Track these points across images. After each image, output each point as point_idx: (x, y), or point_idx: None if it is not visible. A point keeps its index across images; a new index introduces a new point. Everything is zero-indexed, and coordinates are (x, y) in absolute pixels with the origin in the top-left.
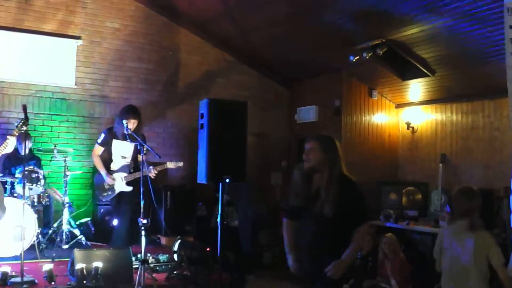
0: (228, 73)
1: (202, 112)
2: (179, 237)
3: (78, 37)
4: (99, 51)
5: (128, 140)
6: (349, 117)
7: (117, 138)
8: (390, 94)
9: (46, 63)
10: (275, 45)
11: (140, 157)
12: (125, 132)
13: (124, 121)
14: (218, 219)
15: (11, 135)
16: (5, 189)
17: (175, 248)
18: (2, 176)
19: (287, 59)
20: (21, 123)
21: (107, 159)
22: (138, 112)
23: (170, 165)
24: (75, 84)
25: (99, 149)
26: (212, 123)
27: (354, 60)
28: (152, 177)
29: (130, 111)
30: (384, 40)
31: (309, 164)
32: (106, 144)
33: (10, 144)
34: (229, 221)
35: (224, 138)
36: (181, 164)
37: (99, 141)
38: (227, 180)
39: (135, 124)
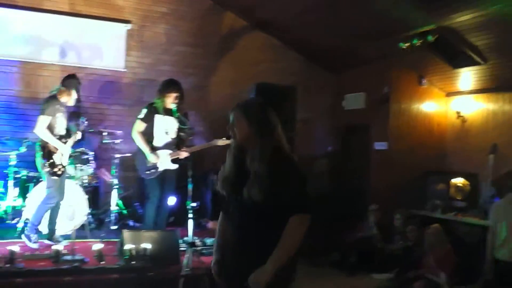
0: (274, 58)
1: (251, 96)
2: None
3: (127, 21)
4: (148, 35)
5: (172, 115)
6: (397, 105)
7: (159, 113)
8: (440, 82)
9: (96, 47)
10: (322, 31)
11: (183, 135)
12: (170, 106)
13: (166, 95)
14: None
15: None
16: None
17: None
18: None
19: (334, 45)
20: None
21: (149, 136)
22: (180, 85)
23: (220, 142)
24: (125, 68)
25: (141, 125)
26: None
27: (404, 47)
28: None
29: (172, 84)
30: (435, 27)
31: (234, 139)
32: (148, 119)
33: (77, 135)
34: None
35: None
36: (229, 141)
37: (141, 116)
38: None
39: (177, 99)
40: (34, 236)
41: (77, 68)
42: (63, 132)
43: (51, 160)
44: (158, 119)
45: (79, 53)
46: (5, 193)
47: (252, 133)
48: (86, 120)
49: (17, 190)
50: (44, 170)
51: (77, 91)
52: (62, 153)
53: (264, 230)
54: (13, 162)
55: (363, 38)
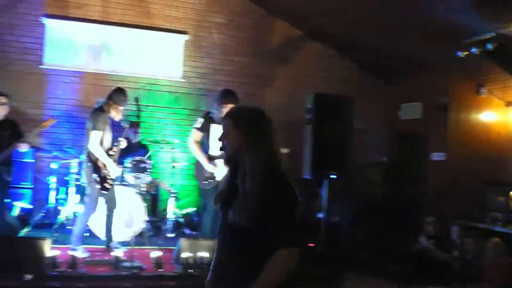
0: (328, 67)
1: (308, 107)
2: None
3: (184, 32)
4: (205, 46)
5: None
6: (456, 115)
7: (215, 122)
8: (500, 91)
9: (155, 58)
10: (377, 39)
11: None
12: (224, 112)
13: (223, 105)
14: (323, 215)
15: (124, 129)
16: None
17: None
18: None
19: (389, 53)
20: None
21: (205, 146)
22: (236, 96)
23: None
24: (183, 78)
25: (197, 134)
26: (318, 118)
27: (462, 55)
28: None
29: (228, 94)
30: (495, 35)
31: (225, 152)
32: (204, 129)
33: (122, 143)
34: (329, 217)
35: (330, 133)
36: (286, 150)
37: (197, 126)
38: (332, 176)
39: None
40: (80, 247)
41: (135, 78)
42: (110, 145)
43: (102, 175)
44: (214, 128)
45: (137, 63)
46: (66, 200)
47: (242, 144)
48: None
49: (77, 196)
50: (91, 183)
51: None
52: (111, 168)
53: (247, 256)
54: (74, 169)
55: (420, 46)
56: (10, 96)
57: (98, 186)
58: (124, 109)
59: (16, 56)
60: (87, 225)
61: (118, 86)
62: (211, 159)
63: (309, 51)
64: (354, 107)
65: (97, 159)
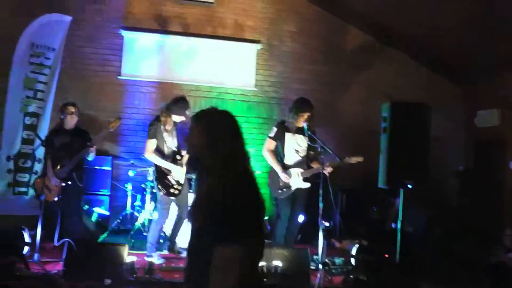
0: (402, 74)
1: (384, 115)
2: (357, 241)
3: (257, 41)
4: (277, 54)
5: (302, 133)
6: None
7: (289, 131)
8: None
9: (227, 67)
10: (451, 43)
11: (312, 154)
12: (301, 125)
13: (299, 114)
14: (398, 225)
15: None
16: (190, 185)
17: (353, 252)
18: (187, 173)
19: (464, 58)
20: None
21: (279, 155)
22: (311, 104)
23: (351, 160)
24: (255, 87)
25: (271, 144)
26: (394, 127)
27: None
28: (327, 174)
29: (304, 103)
30: None
31: (189, 153)
32: (279, 138)
33: None
34: (406, 227)
35: (406, 141)
36: (361, 159)
37: (271, 134)
38: (409, 186)
39: (309, 117)
40: (155, 254)
41: (208, 87)
42: (172, 151)
43: (165, 181)
44: (289, 137)
45: (210, 73)
46: (142, 207)
47: (203, 144)
48: None
49: (153, 204)
50: (157, 191)
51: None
52: (174, 173)
53: (202, 256)
54: (150, 177)
55: (496, 50)
56: (78, 106)
57: (162, 192)
58: (181, 117)
59: (96, 68)
60: (163, 231)
61: (180, 95)
62: (285, 168)
63: (383, 58)
64: (431, 115)
65: (159, 165)
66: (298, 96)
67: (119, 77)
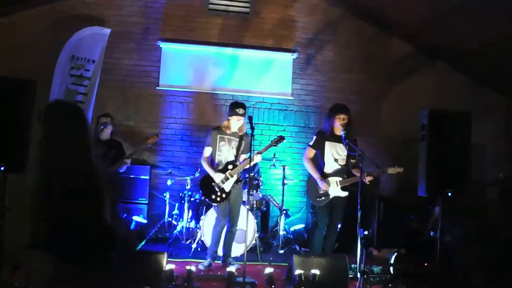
0: (440, 82)
1: (423, 123)
2: (395, 250)
3: (294, 50)
4: (313, 63)
5: (341, 142)
6: None
7: (328, 139)
8: None
9: (264, 76)
10: (491, 51)
11: (352, 162)
12: (339, 132)
13: (334, 116)
14: (437, 234)
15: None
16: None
17: (392, 261)
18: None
19: (505, 65)
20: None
21: (318, 163)
22: (347, 109)
23: (391, 170)
24: (291, 96)
25: (311, 152)
26: (433, 135)
27: None
28: (367, 183)
29: (339, 107)
30: None
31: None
32: (318, 146)
33: (257, 157)
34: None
35: (445, 150)
36: (401, 169)
37: (311, 143)
38: (449, 194)
39: (345, 120)
40: (207, 260)
41: (246, 96)
42: (228, 160)
43: (209, 187)
44: (328, 146)
45: (247, 83)
46: (180, 215)
47: (47, 138)
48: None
49: (191, 212)
50: (203, 198)
51: (234, 115)
52: (217, 181)
53: None
54: (188, 186)
55: None
56: (117, 117)
57: (204, 198)
58: (237, 117)
59: (135, 79)
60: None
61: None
62: (324, 176)
63: (421, 66)
64: (471, 123)
65: (205, 173)
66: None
67: (157, 88)
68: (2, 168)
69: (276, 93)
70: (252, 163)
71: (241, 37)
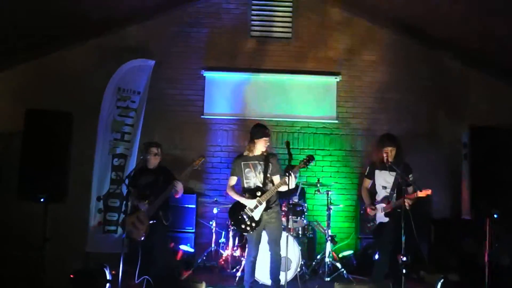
0: (491, 98)
1: (464, 141)
2: (441, 276)
3: (337, 73)
4: (358, 85)
5: (388, 170)
6: None
7: (378, 168)
8: None
9: (308, 101)
10: None
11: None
12: (384, 157)
13: (380, 150)
14: (486, 258)
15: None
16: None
17: (438, 287)
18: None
19: None
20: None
21: (372, 191)
22: (394, 139)
23: (421, 194)
24: (337, 119)
25: (366, 182)
26: (476, 153)
27: None
28: (407, 207)
29: (385, 139)
30: None
31: None
32: (371, 175)
33: (292, 181)
34: (500, 260)
35: (489, 168)
36: (429, 192)
37: (366, 173)
38: (495, 215)
39: (393, 152)
40: None
41: (290, 122)
42: (256, 185)
43: (238, 217)
44: (378, 174)
45: (291, 107)
46: (225, 243)
47: None
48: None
49: (237, 240)
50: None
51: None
52: (248, 207)
53: None
54: None
55: None
56: (164, 146)
57: (234, 227)
58: (262, 140)
59: (179, 108)
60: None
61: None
62: (373, 203)
63: (469, 82)
64: None
65: (234, 202)
66: (381, 126)
67: (202, 116)
68: (42, 200)
69: (321, 117)
70: (290, 184)
71: (284, 62)
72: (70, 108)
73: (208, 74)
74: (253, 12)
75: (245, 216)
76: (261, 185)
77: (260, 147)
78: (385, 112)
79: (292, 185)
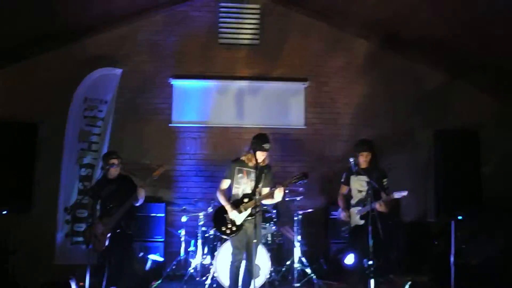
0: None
1: (430, 144)
2: (409, 278)
3: (305, 79)
4: (326, 90)
5: (362, 175)
6: None
7: (352, 173)
8: None
9: (276, 107)
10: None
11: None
12: (363, 166)
13: (355, 155)
14: (451, 259)
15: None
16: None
17: None
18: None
19: None
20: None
21: (348, 196)
22: (368, 145)
23: (395, 195)
24: (305, 125)
25: (343, 188)
26: (440, 156)
27: None
28: (381, 210)
29: (359, 144)
30: None
31: None
32: (347, 181)
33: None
34: (467, 260)
35: (455, 170)
36: (405, 193)
37: (342, 180)
38: (459, 217)
39: (368, 157)
40: None
41: (259, 128)
42: (245, 192)
43: (220, 218)
44: (353, 179)
45: (260, 114)
46: (195, 251)
47: None
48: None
49: (206, 248)
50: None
51: (260, 150)
52: (230, 213)
53: None
54: (201, 222)
55: None
56: (121, 156)
57: (214, 229)
58: (261, 152)
59: (147, 117)
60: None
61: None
62: (347, 208)
63: (438, 84)
64: (479, 142)
65: (219, 206)
66: (350, 131)
67: (170, 125)
68: (4, 212)
69: (290, 123)
70: (276, 198)
71: (252, 69)
72: (38, 118)
73: (176, 82)
74: (220, 19)
75: (227, 219)
76: (250, 192)
77: (258, 157)
78: (354, 117)
79: (278, 199)
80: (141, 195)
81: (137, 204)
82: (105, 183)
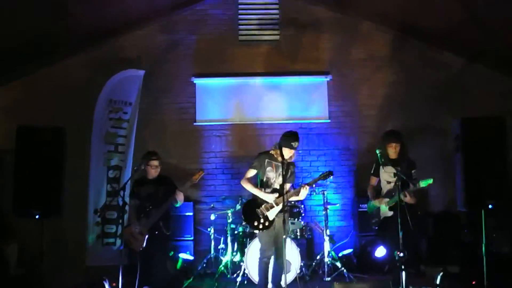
0: (488, 90)
1: (457, 133)
2: (441, 269)
3: (327, 73)
4: (349, 83)
5: (391, 166)
6: None
7: (381, 164)
8: None
9: (299, 102)
10: None
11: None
12: (393, 157)
13: (384, 146)
14: (483, 248)
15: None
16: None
17: (437, 281)
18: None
19: None
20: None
21: (378, 188)
22: (397, 135)
23: (422, 184)
24: (329, 118)
25: (372, 180)
26: (468, 144)
27: None
28: (408, 201)
29: (387, 135)
30: None
31: None
32: (377, 173)
33: (303, 192)
34: (498, 248)
35: (483, 159)
36: (430, 181)
37: (372, 171)
38: (490, 206)
39: (397, 148)
40: None
41: (282, 124)
42: (274, 187)
43: (252, 213)
44: (382, 171)
45: (283, 110)
46: (225, 249)
47: None
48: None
49: (236, 245)
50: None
51: (288, 148)
52: (271, 201)
53: None
54: (229, 219)
55: None
56: (161, 157)
57: (245, 223)
58: (289, 149)
59: (172, 117)
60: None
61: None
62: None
63: (462, 72)
64: (506, 129)
65: (249, 200)
66: (374, 123)
67: (195, 124)
68: (37, 216)
69: (313, 117)
70: (300, 196)
71: (273, 65)
72: (63, 122)
73: (198, 81)
74: (240, 16)
75: (259, 214)
76: (278, 187)
77: (285, 154)
78: (378, 108)
79: (303, 197)
80: (180, 198)
81: (177, 206)
82: (144, 184)
